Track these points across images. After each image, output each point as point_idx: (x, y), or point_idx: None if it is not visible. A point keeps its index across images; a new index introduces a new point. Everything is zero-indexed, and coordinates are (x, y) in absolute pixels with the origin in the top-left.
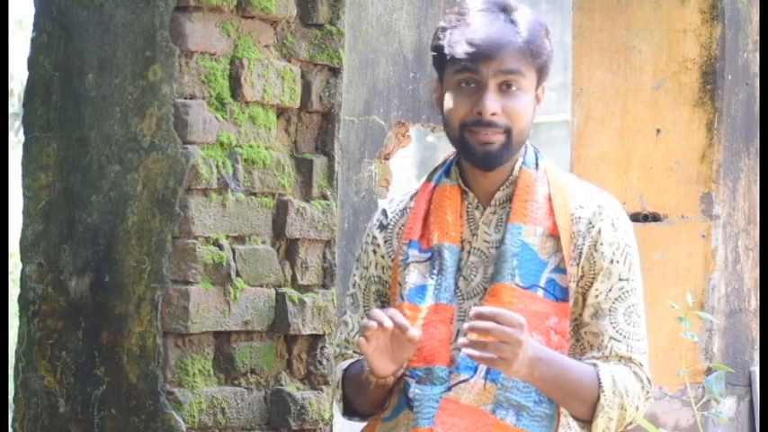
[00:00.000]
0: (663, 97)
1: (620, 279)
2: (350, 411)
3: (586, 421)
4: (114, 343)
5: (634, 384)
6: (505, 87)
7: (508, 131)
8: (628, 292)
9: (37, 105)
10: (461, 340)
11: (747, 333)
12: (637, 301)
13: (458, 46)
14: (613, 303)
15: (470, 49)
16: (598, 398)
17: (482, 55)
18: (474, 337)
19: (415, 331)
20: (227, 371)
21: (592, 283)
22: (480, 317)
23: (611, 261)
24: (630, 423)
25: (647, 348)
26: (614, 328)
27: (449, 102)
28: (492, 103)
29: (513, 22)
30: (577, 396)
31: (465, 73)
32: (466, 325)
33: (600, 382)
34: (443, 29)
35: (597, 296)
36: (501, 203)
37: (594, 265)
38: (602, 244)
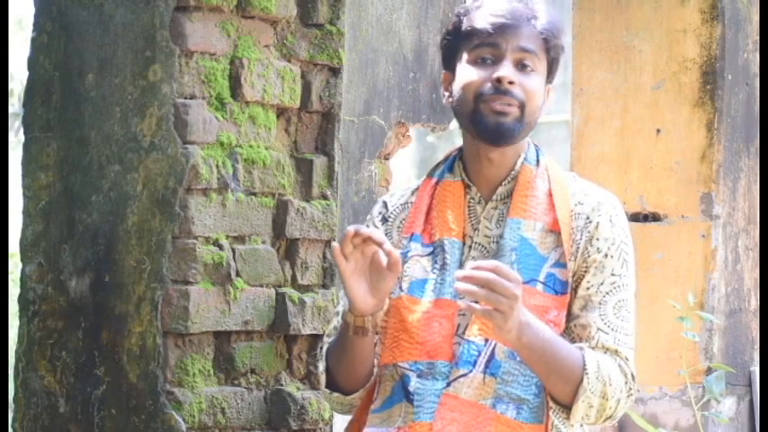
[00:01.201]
0: (663, 97)
1: (613, 274)
2: (331, 384)
3: (567, 406)
4: (114, 343)
5: (618, 376)
6: (521, 66)
7: (522, 107)
8: (619, 286)
9: (37, 105)
10: (457, 284)
11: (747, 333)
12: (627, 297)
13: (479, 21)
14: (604, 296)
15: (494, 20)
16: (581, 380)
17: (505, 27)
18: (470, 287)
19: (393, 248)
20: (227, 371)
21: (584, 276)
22: (479, 269)
23: (606, 255)
24: (610, 417)
25: (635, 345)
26: (603, 320)
27: (464, 75)
28: (510, 71)
29: (532, 9)
30: (561, 373)
31: (484, 48)
32: (462, 272)
33: (585, 365)
34: (460, 14)
35: (588, 288)
36: (502, 199)
37: (588, 258)
38: (597, 239)
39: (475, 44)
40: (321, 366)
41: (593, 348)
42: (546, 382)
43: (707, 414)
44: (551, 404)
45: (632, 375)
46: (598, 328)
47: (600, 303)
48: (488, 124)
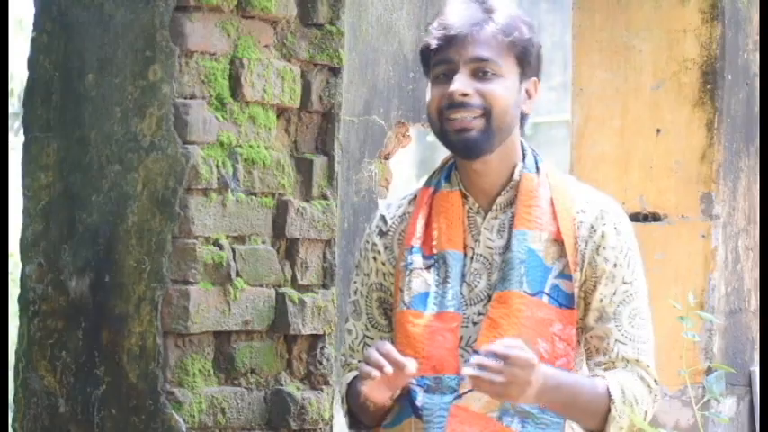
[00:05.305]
0: (663, 97)
1: (624, 282)
2: (356, 425)
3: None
4: (114, 343)
5: (642, 390)
6: (481, 74)
7: (487, 114)
8: (632, 295)
9: (37, 105)
10: (467, 370)
11: (747, 333)
12: (640, 304)
13: (431, 38)
14: (618, 307)
15: (441, 34)
16: (608, 410)
17: (452, 41)
18: (480, 372)
19: (411, 366)
20: (227, 371)
21: (595, 287)
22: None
23: (615, 265)
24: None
25: (653, 350)
26: (619, 330)
27: (429, 95)
28: (461, 84)
29: (487, 11)
30: (587, 412)
31: (440, 65)
32: (475, 358)
33: (610, 395)
34: (429, 28)
35: (602, 300)
36: (502, 208)
37: (597, 268)
38: (605, 248)
39: (433, 62)
40: (344, 409)
41: (613, 362)
42: (573, 421)
43: (707, 414)
44: (567, 428)
45: (655, 381)
46: (616, 340)
47: (614, 314)
48: (454, 142)
